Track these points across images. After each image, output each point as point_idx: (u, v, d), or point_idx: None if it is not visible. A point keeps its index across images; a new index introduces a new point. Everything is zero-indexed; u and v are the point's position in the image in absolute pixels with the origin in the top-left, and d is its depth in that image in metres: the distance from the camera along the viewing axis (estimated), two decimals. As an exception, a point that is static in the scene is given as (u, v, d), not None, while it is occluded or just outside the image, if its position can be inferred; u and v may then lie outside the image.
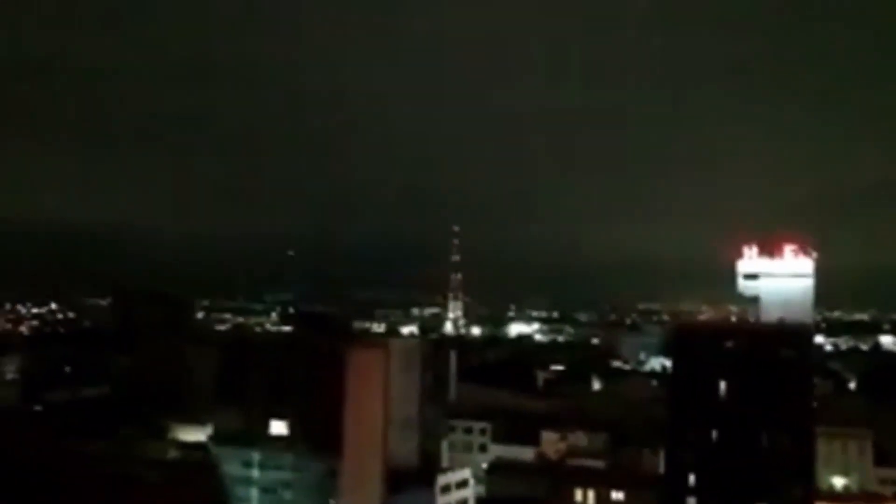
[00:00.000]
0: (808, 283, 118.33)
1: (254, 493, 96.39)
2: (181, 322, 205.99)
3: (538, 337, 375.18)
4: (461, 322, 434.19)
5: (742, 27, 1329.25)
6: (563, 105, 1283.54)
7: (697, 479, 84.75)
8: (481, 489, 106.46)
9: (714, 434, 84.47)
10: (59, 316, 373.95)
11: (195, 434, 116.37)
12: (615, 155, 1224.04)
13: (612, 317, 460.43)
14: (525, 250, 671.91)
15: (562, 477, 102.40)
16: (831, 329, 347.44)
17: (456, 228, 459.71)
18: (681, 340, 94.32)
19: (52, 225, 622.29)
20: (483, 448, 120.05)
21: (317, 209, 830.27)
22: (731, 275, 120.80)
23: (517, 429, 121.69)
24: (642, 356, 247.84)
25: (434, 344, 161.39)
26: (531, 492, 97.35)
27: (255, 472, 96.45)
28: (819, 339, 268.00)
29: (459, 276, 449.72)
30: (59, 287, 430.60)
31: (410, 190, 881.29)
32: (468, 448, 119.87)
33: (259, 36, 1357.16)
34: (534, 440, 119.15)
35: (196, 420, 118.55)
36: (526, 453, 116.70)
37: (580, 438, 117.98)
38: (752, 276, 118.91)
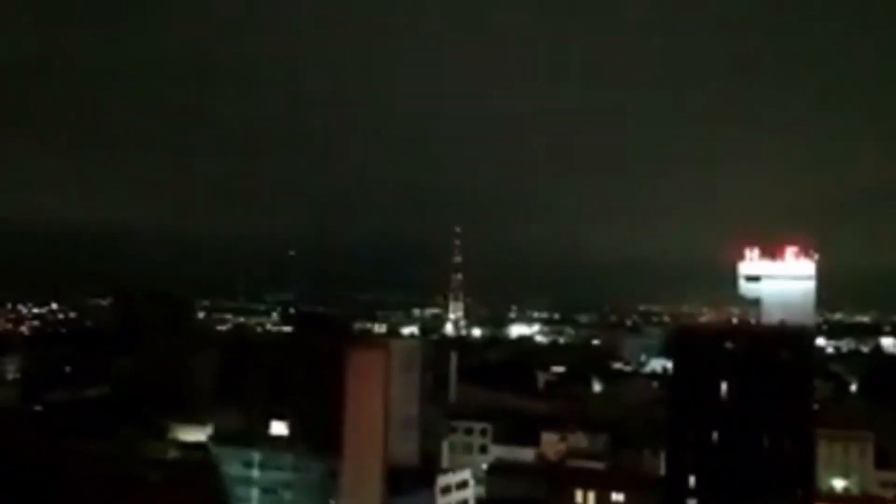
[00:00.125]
0: (809, 285, 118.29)
1: (254, 493, 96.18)
2: (182, 322, 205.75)
3: (539, 338, 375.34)
4: (462, 323, 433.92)
5: (742, 27, 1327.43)
6: (563, 105, 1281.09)
7: (698, 481, 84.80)
8: (481, 490, 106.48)
9: (715, 436, 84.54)
10: (60, 316, 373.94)
11: (195, 434, 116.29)
12: (615, 155, 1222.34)
13: (613, 318, 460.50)
14: (525, 251, 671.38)
15: (562, 478, 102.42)
16: (832, 331, 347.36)
17: (457, 229, 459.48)
18: (682, 342, 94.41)
19: (52, 225, 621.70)
20: (483, 449, 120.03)
21: (317, 209, 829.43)
22: (733, 276, 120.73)
23: (517, 430, 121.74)
24: (643, 357, 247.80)
25: (435, 345, 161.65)
26: (531, 493, 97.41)
27: (256, 473, 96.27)
28: (820, 341, 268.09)
29: (460, 276, 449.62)
30: (59, 287, 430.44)
31: (410, 190, 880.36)
32: (468, 449, 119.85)
33: (259, 36, 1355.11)
34: (534, 441, 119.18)
35: (196, 420, 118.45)
36: (526, 454, 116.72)
37: (580, 440, 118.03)
38: (753, 278, 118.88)
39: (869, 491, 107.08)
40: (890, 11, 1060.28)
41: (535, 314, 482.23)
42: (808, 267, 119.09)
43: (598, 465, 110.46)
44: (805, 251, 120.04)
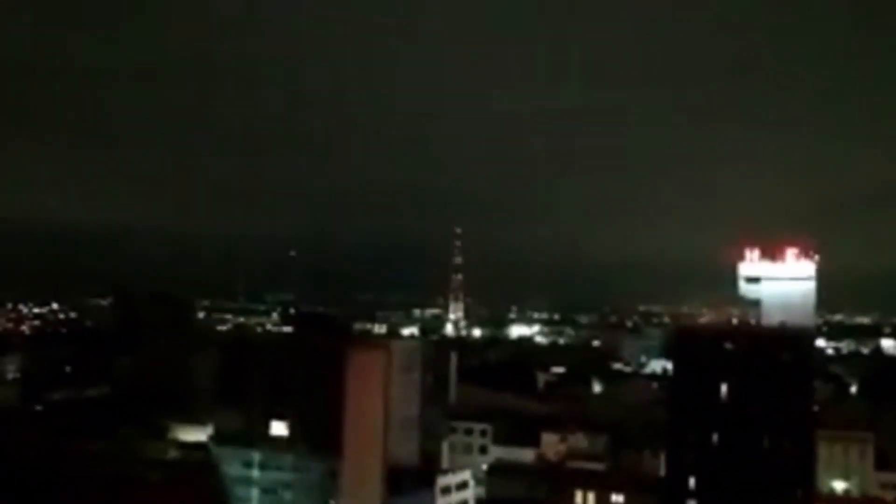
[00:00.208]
0: (809, 287, 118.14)
1: (254, 493, 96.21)
2: (182, 322, 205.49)
3: (539, 338, 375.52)
4: (462, 323, 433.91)
5: (742, 27, 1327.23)
6: (563, 105, 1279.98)
7: (698, 482, 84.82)
8: (481, 491, 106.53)
9: (715, 437, 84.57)
10: (60, 316, 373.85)
11: (195, 434, 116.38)
12: (615, 155, 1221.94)
13: (613, 319, 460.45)
14: (525, 251, 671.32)
15: (562, 479, 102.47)
16: (833, 332, 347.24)
17: (457, 230, 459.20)
18: (682, 343, 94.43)
19: (52, 225, 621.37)
20: (483, 449, 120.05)
21: (317, 209, 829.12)
22: (733, 277, 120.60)
23: (517, 430, 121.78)
24: (643, 358, 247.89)
25: (435, 345, 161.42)
26: (531, 494, 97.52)
27: (256, 473, 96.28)
28: (820, 342, 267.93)
29: (460, 276, 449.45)
30: (59, 287, 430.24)
31: (410, 190, 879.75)
32: (468, 449, 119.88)
33: (259, 36, 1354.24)
34: (534, 442, 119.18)
35: (196, 420, 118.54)
36: (526, 455, 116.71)
37: (580, 440, 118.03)
38: (753, 279, 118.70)
39: (869, 492, 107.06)
40: (890, 11, 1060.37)
41: (536, 315, 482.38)
42: (808, 268, 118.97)
43: (598, 466, 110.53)
44: (805, 252, 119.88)
